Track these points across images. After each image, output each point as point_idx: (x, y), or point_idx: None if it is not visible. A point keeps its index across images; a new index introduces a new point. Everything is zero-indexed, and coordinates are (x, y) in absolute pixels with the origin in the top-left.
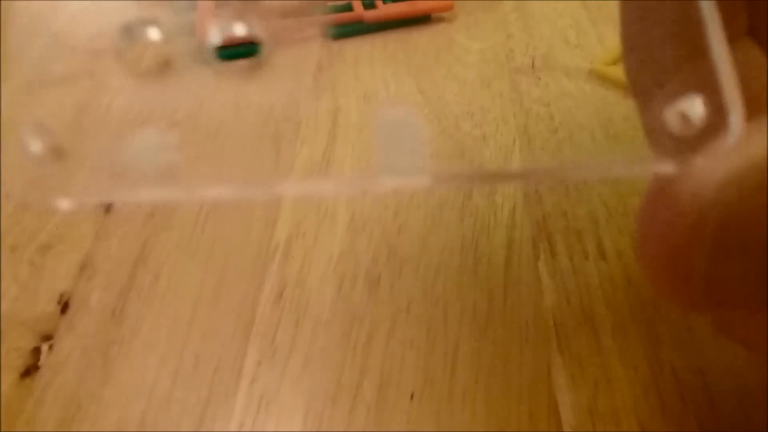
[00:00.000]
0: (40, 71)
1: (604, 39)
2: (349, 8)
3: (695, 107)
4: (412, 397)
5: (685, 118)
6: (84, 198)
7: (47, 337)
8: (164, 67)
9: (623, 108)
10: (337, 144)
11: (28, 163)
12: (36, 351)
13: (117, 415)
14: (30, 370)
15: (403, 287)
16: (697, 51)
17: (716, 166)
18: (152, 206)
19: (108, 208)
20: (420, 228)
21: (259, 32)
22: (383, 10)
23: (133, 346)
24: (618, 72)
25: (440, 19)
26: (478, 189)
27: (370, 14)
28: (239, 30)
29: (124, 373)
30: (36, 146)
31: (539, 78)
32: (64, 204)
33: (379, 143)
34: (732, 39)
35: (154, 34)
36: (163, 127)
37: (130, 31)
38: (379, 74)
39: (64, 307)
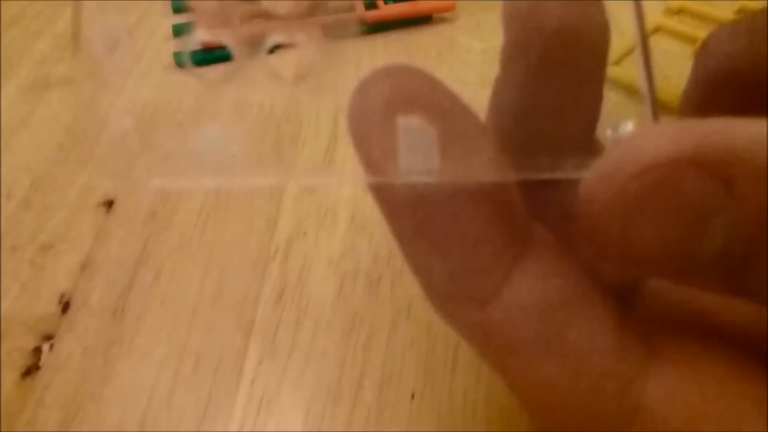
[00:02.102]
0: (43, 72)
1: None
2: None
3: None
4: (412, 397)
5: None
6: (158, 182)
7: (48, 337)
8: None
9: (623, 108)
10: (339, 145)
11: (114, 148)
12: (37, 351)
13: (118, 415)
14: (31, 370)
15: (404, 287)
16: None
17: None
18: (154, 206)
19: (109, 207)
20: None
21: (226, 39)
22: (384, 11)
23: (133, 346)
24: (619, 72)
25: (442, 20)
26: None
27: (372, 14)
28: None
29: (125, 373)
30: (123, 130)
31: None
32: (155, 183)
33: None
34: (517, 259)
35: None
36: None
37: None
38: None
39: (65, 307)
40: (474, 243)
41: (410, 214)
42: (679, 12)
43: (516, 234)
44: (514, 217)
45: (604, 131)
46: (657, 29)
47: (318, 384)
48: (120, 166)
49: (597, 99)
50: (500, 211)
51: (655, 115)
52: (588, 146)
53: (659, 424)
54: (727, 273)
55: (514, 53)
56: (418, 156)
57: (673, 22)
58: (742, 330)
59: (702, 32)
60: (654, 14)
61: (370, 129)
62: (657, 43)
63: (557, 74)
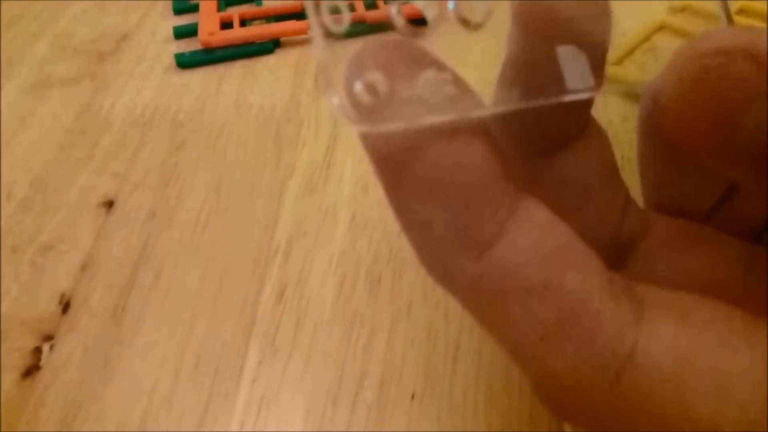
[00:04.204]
0: (43, 72)
1: None
2: (350, 9)
3: None
4: (412, 397)
5: None
6: (394, 124)
7: (48, 337)
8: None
9: (623, 109)
10: (339, 145)
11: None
12: (37, 351)
13: (118, 415)
14: (31, 371)
15: (404, 287)
16: None
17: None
18: (154, 206)
19: (109, 207)
20: None
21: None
22: (385, 11)
23: (134, 346)
24: (618, 72)
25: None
26: None
27: (372, 15)
28: None
29: (125, 373)
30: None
31: None
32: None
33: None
34: (512, 209)
35: None
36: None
37: None
38: None
39: (65, 307)
40: (473, 191)
41: (410, 168)
42: (683, 10)
43: (510, 185)
44: (508, 172)
45: None
46: (661, 27)
47: (318, 384)
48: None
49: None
50: (496, 163)
51: (729, 20)
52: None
53: (655, 364)
54: (755, 164)
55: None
56: (579, 75)
57: (677, 20)
58: (730, 286)
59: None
60: (658, 12)
61: None
62: (661, 41)
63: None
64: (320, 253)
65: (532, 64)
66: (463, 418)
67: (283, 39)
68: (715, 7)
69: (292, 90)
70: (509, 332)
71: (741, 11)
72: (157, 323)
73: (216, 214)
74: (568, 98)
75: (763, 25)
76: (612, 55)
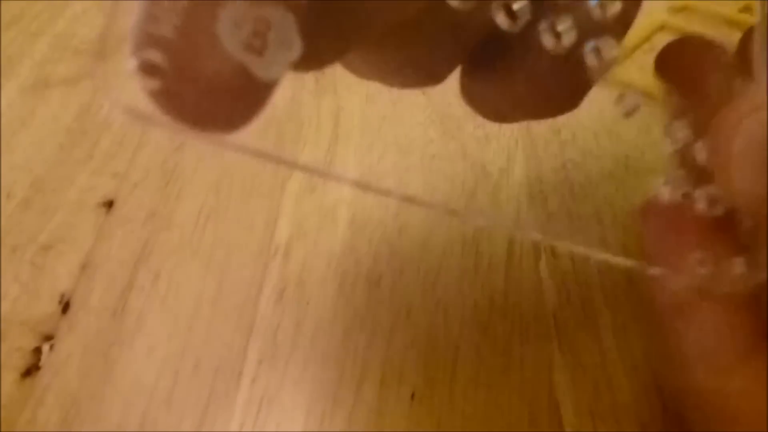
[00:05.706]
0: (43, 72)
1: None
2: None
3: None
4: (412, 397)
5: None
6: None
7: (48, 337)
8: None
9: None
10: (339, 145)
11: None
12: (37, 351)
13: (118, 415)
14: (31, 370)
15: (404, 288)
16: None
17: None
18: (154, 206)
19: (109, 207)
20: (421, 228)
21: None
22: None
23: (134, 346)
24: (621, 72)
25: None
26: (481, 188)
27: None
28: None
29: (125, 373)
30: None
31: None
32: None
33: None
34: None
35: None
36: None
37: None
38: None
39: (65, 307)
40: (732, 325)
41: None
42: (684, 10)
43: (758, 332)
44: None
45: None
46: (661, 27)
47: (318, 384)
48: None
49: None
50: (750, 325)
51: None
52: None
53: None
54: None
55: None
56: None
57: (677, 20)
58: None
59: (706, 30)
60: (658, 12)
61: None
62: (661, 41)
63: None
64: (320, 253)
65: None
66: (463, 419)
67: None
68: (716, 7)
69: (292, 90)
70: None
71: (746, 9)
72: (157, 323)
73: (216, 214)
74: None
75: None
76: None
